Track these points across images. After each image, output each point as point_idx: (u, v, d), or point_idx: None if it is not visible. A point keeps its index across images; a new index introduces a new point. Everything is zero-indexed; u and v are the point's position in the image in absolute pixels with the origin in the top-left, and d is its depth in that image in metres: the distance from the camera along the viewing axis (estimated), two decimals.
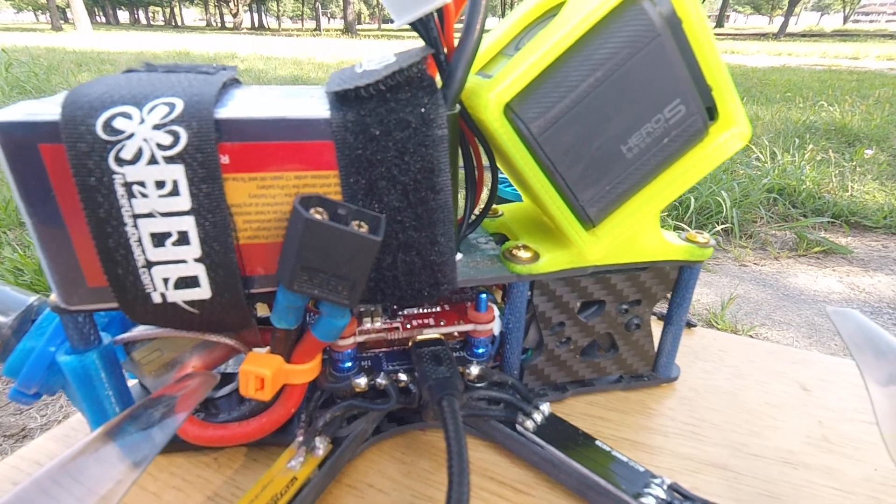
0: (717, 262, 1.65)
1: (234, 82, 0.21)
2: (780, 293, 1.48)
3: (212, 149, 0.16)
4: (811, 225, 1.84)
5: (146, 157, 0.16)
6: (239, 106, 0.18)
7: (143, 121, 0.16)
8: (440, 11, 0.19)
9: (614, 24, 0.19)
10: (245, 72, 5.09)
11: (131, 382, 0.27)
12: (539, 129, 0.20)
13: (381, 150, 0.18)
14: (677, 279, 0.26)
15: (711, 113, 0.21)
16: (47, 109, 0.16)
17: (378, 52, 0.21)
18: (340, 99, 0.18)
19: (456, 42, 0.20)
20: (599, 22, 0.19)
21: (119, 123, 0.16)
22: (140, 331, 0.22)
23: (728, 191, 1.89)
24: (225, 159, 0.17)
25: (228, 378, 0.26)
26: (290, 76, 4.83)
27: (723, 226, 1.79)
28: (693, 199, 1.81)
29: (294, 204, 0.17)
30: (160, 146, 0.16)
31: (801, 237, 1.75)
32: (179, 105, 0.16)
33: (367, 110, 0.18)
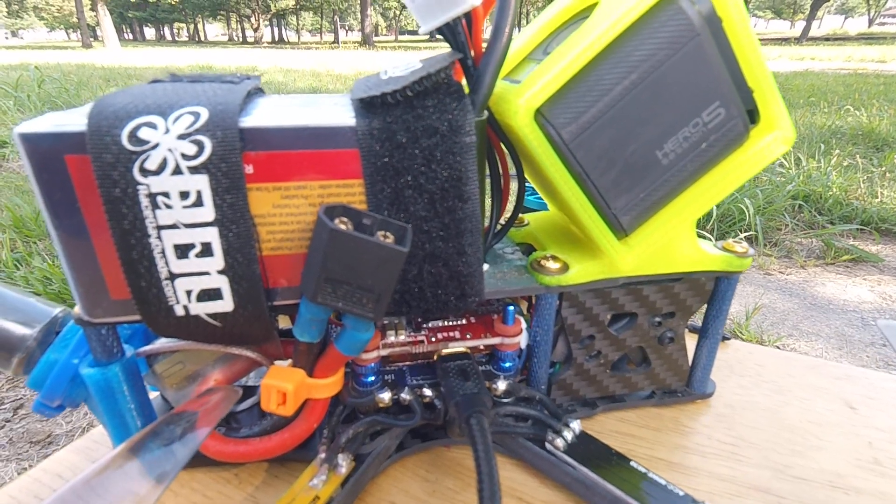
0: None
1: (258, 91, 0.21)
2: (807, 303, 1.43)
3: (236, 158, 0.16)
4: (839, 232, 1.79)
5: (171, 167, 0.16)
6: (263, 114, 0.17)
7: (167, 130, 0.16)
8: (468, 15, 0.18)
9: (651, 24, 0.18)
10: (265, 84, 5.18)
11: (153, 395, 0.27)
12: (571, 135, 0.19)
13: (408, 157, 0.17)
14: (713, 290, 0.25)
15: (752, 116, 0.20)
16: (73, 120, 0.16)
17: (403, 59, 0.21)
18: (366, 106, 0.17)
19: (484, 47, 0.19)
20: (635, 22, 0.18)
21: (144, 133, 0.15)
22: (162, 343, 0.22)
23: (751, 198, 1.85)
24: (249, 169, 0.17)
25: (250, 391, 0.25)
26: (309, 88, 4.91)
27: (746, 234, 1.74)
28: (715, 207, 1.77)
29: (319, 214, 0.17)
30: (185, 156, 0.16)
31: (828, 245, 1.70)
32: (204, 114, 0.16)
33: (393, 117, 0.17)
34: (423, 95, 0.17)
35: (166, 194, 0.16)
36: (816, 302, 1.44)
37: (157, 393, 0.27)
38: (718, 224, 1.78)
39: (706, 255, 0.24)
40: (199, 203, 0.16)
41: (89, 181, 0.16)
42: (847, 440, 0.25)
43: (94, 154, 0.15)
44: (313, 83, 5.30)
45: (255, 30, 26.01)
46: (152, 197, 0.16)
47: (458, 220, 0.18)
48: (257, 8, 25.17)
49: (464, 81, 0.20)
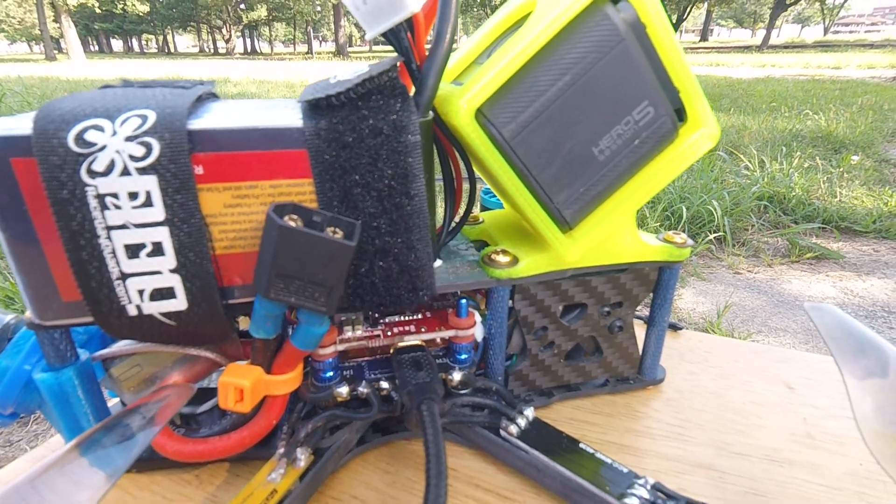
0: (711, 270, 1.66)
1: (211, 96, 0.22)
2: (774, 300, 1.48)
3: (185, 159, 0.17)
4: (802, 231, 1.86)
5: (118, 168, 0.16)
6: (213, 117, 0.18)
7: (115, 133, 0.16)
8: (410, 23, 0.19)
9: (579, 29, 0.19)
10: (238, 95, 5.14)
11: (111, 401, 0.27)
12: (511, 134, 0.20)
13: (355, 157, 0.18)
14: (657, 280, 0.27)
15: (680, 114, 0.22)
16: (19, 124, 0.16)
17: (354, 67, 0.21)
18: (313, 108, 0.18)
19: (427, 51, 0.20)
20: (565, 28, 0.19)
21: (91, 136, 0.16)
22: (119, 346, 0.22)
23: (719, 200, 1.91)
24: (199, 170, 0.18)
25: (211, 393, 0.26)
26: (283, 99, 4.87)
27: (715, 234, 1.80)
28: (685, 209, 1.83)
29: (268, 212, 0.17)
30: (133, 157, 0.16)
31: (792, 243, 1.76)
32: (152, 117, 0.17)
33: (339, 118, 0.18)
34: (367, 97, 0.18)
35: (115, 195, 0.16)
36: (783, 299, 1.49)
37: (117, 399, 0.27)
38: (689, 226, 1.83)
39: (647, 247, 0.25)
40: (148, 203, 0.17)
41: (36, 184, 0.16)
42: (784, 418, 0.27)
43: (40, 156, 0.16)
44: (288, 94, 5.27)
45: (228, 41, 25.72)
46: (101, 198, 0.16)
47: (405, 216, 0.19)
48: (229, 19, 24.92)
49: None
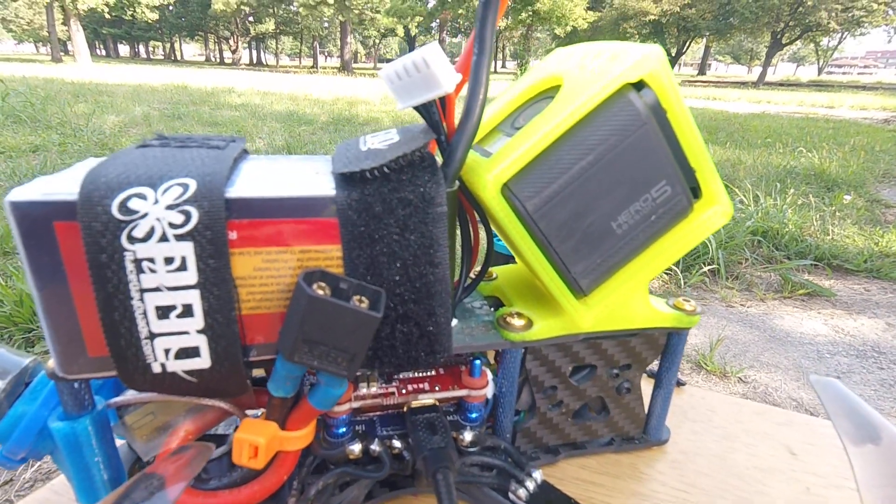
0: (705, 302, 1.67)
1: (244, 154, 0.22)
2: (767, 335, 1.49)
3: (221, 227, 0.17)
4: (795, 267, 1.88)
5: (158, 235, 0.17)
6: (248, 183, 0.18)
7: (157, 201, 0.17)
8: (442, 99, 0.20)
9: (605, 113, 0.20)
10: (242, 106, 5.18)
11: (119, 443, 0.27)
12: (534, 207, 0.21)
13: (383, 227, 0.19)
14: (666, 344, 0.27)
15: (696, 192, 0.23)
16: (63, 187, 0.17)
17: (383, 132, 0.22)
18: (346, 179, 0.19)
19: (456, 122, 0.21)
20: (591, 112, 0.20)
21: (134, 204, 0.16)
22: (134, 394, 0.22)
23: (714, 233, 1.93)
24: (233, 235, 0.18)
25: (219, 440, 0.26)
26: (287, 111, 4.92)
27: (709, 267, 1.82)
28: None
29: (298, 280, 0.18)
30: (172, 225, 0.17)
31: (785, 279, 1.78)
32: (192, 186, 0.17)
33: (370, 190, 0.19)
34: (399, 171, 0.19)
35: (151, 260, 0.17)
36: (775, 334, 1.50)
37: (124, 441, 0.27)
38: (684, 258, 1.85)
39: (658, 313, 0.26)
40: (182, 268, 0.17)
41: (76, 246, 0.17)
42: (787, 486, 0.27)
43: (83, 222, 0.16)
44: (291, 106, 5.32)
45: (234, 51, 26.01)
46: (138, 262, 0.17)
47: (428, 284, 0.20)
48: (237, 30, 25.25)
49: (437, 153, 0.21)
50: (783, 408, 1.16)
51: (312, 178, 0.20)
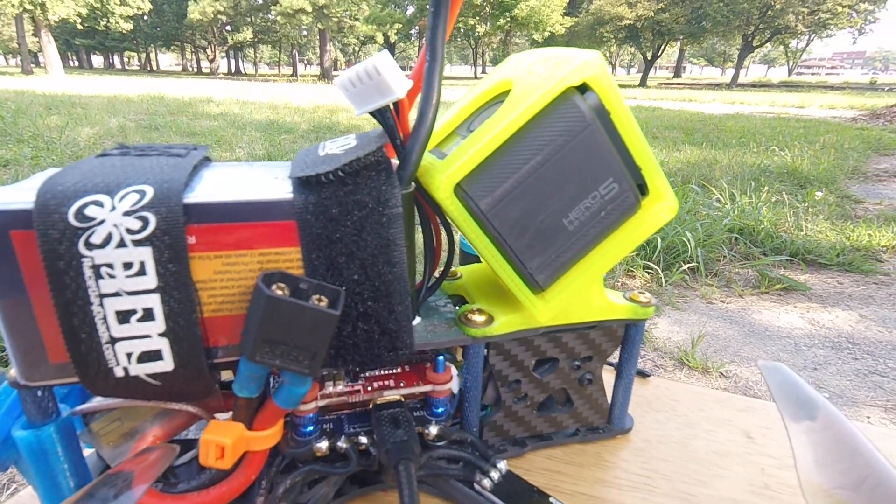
0: (686, 300, 1.70)
1: (206, 161, 0.23)
2: (746, 330, 1.53)
3: (179, 232, 0.18)
4: (771, 263, 1.93)
5: (115, 240, 0.17)
6: (206, 189, 0.19)
7: (114, 208, 0.17)
8: (395, 104, 0.21)
9: (551, 115, 0.21)
10: (221, 115, 5.14)
11: (87, 452, 0.27)
12: (487, 206, 0.22)
13: (340, 228, 0.20)
14: (624, 336, 0.28)
15: (642, 189, 0.24)
16: (20, 197, 0.17)
17: (342, 137, 0.23)
18: (303, 183, 0.19)
19: (411, 126, 0.22)
20: (538, 114, 0.21)
21: (91, 211, 0.17)
22: (100, 401, 0.22)
23: (692, 231, 1.97)
24: (192, 239, 0.18)
25: (189, 445, 0.26)
26: (267, 120, 4.89)
27: (689, 265, 1.85)
28: (660, 239, 1.88)
29: (257, 281, 0.18)
30: (129, 231, 0.17)
31: (762, 275, 1.83)
32: (150, 192, 0.18)
33: (327, 193, 0.19)
34: (354, 174, 0.20)
35: (110, 265, 0.17)
36: (754, 329, 1.54)
37: (93, 450, 0.27)
38: (664, 255, 1.88)
39: (614, 306, 0.27)
40: (142, 272, 0.17)
41: (33, 254, 0.17)
42: (744, 468, 0.28)
43: (40, 230, 0.16)
44: (271, 115, 5.29)
45: (211, 61, 25.75)
46: (96, 268, 0.17)
47: (387, 283, 0.20)
48: (214, 39, 25.02)
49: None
50: (764, 400, 1.20)
51: (271, 182, 0.20)
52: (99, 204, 0.17)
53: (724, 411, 0.33)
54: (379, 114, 0.21)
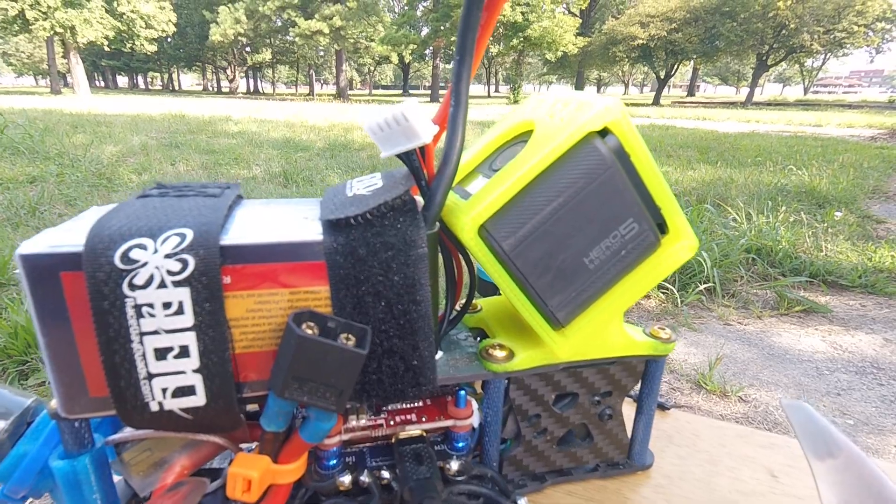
0: (702, 321, 1.67)
1: (238, 199, 0.24)
2: (765, 352, 1.50)
3: (216, 273, 0.18)
4: (790, 284, 1.89)
5: (157, 282, 0.18)
6: (241, 231, 0.20)
7: (156, 251, 0.18)
8: (421, 147, 0.22)
9: (572, 158, 0.22)
10: (239, 134, 5.26)
11: (116, 478, 0.28)
12: (510, 247, 0.22)
13: (367, 269, 0.20)
14: (645, 371, 0.28)
15: (662, 228, 0.24)
16: (68, 240, 0.18)
17: (368, 177, 0.24)
18: (332, 225, 0.20)
19: (436, 167, 0.22)
20: (560, 157, 0.22)
21: (135, 254, 0.18)
22: (131, 431, 0.23)
23: (708, 251, 1.95)
24: (227, 279, 0.19)
25: (214, 474, 0.26)
26: (283, 138, 4.99)
27: (705, 285, 1.83)
28: None
29: (288, 321, 0.19)
30: (170, 272, 0.18)
31: (781, 296, 1.79)
32: (189, 235, 0.18)
33: (355, 235, 0.20)
34: (381, 216, 0.20)
35: (151, 305, 0.18)
36: (774, 352, 1.50)
37: (121, 477, 0.28)
38: (680, 276, 1.86)
39: (634, 342, 0.27)
40: (180, 311, 0.18)
41: (80, 294, 0.18)
42: None
43: (88, 272, 0.17)
44: (287, 133, 5.39)
45: (231, 81, 26.46)
46: (138, 308, 0.18)
47: (412, 321, 0.21)
48: (234, 60, 25.75)
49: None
50: (784, 427, 1.16)
51: (301, 223, 0.21)
52: (143, 247, 0.18)
53: (747, 447, 0.33)
54: (405, 156, 0.22)
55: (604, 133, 0.22)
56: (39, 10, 13.42)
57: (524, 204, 0.22)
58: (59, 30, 13.99)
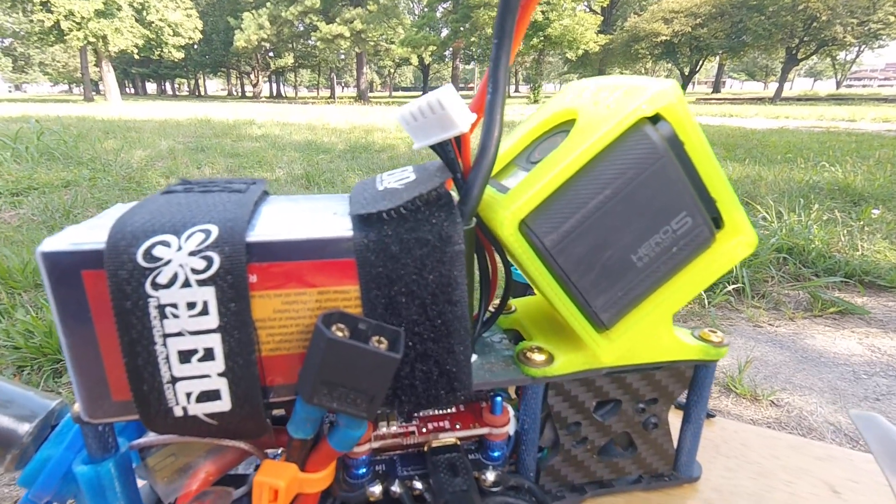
0: (731, 323, 1.62)
1: (264, 195, 0.23)
2: (798, 355, 1.44)
3: (242, 271, 0.17)
4: (824, 285, 1.82)
5: (181, 280, 0.17)
6: (267, 227, 0.19)
7: (180, 248, 0.17)
8: (457, 138, 0.20)
9: (621, 147, 0.20)
10: (262, 137, 5.34)
11: (140, 483, 0.27)
12: (552, 243, 0.21)
13: (401, 266, 0.19)
14: (693, 377, 0.26)
15: (717, 222, 0.22)
16: (91, 237, 0.17)
17: (399, 171, 0.22)
18: (363, 220, 0.19)
19: (472, 160, 0.21)
20: (608, 146, 0.20)
21: (158, 251, 0.17)
22: (155, 435, 0.22)
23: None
24: (253, 278, 0.18)
25: (239, 480, 0.26)
26: (305, 141, 5.05)
27: (734, 286, 1.77)
28: None
29: (317, 323, 0.18)
30: (194, 270, 0.17)
31: (814, 297, 1.72)
32: (214, 231, 0.17)
33: (387, 230, 0.19)
34: (415, 210, 0.19)
35: (174, 305, 0.17)
36: (807, 355, 1.44)
37: (145, 482, 0.27)
38: None
39: (684, 345, 0.25)
40: (204, 312, 0.17)
41: (102, 293, 0.17)
42: None
43: (110, 270, 0.16)
44: (309, 136, 5.46)
45: (255, 85, 26.97)
46: (161, 308, 0.17)
47: (447, 322, 0.20)
48: (257, 65, 26.23)
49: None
50: (820, 432, 1.11)
51: (330, 219, 0.20)
52: (166, 244, 0.17)
53: (802, 459, 0.30)
54: (440, 147, 0.20)
55: (655, 119, 0.20)
56: (73, 21, 13.91)
57: (568, 197, 0.20)
58: (91, 39, 14.48)
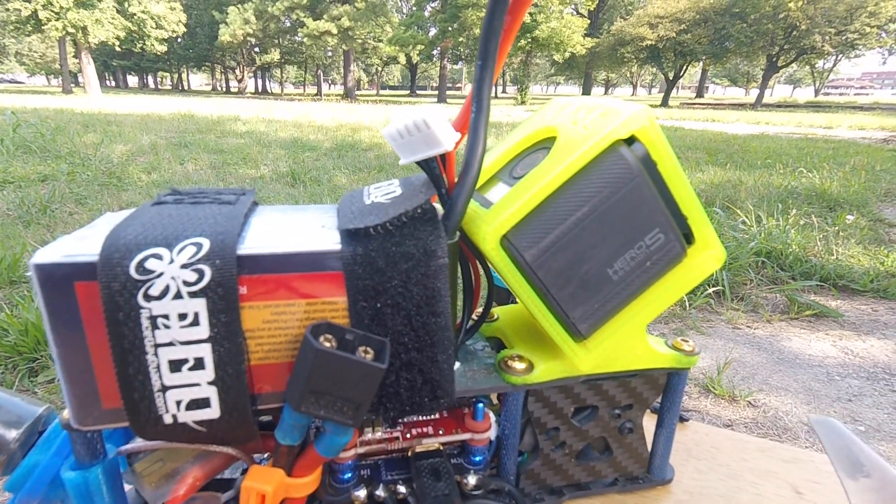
0: (711, 324, 1.66)
1: (253, 206, 0.23)
2: (775, 357, 1.48)
3: (232, 283, 0.18)
4: (800, 288, 1.87)
5: (172, 292, 0.17)
6: (257, 239, 0.19)
7: (172, 261, 0.17)
8: (442, 155, 0.21)
9: (598, 167, 0.21)
10: (247, 133, 5.28)
11: (126, 487, 0.27)
12: (532, 257, 0.21)
13: (387, 279, 0.20)
14: (667, 384, 0.28)
15: (689, 238, 0.23)
16: (83, 248, 0.18)
17: (386, 184, 0.23)
18: (351, 235, 0.20)
19: (456, 175, 0.22)
20: (585, 166, 0.21)
21: (151, 264, 0.17)
22: (143, 441, 0.23)
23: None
24: (243, 290, 0.19)
25: (226, 484, 0.26)
26: (291, 138, 5.00)
27: (714, 288, 1.81)
28: None
29: (306, 334, 0.19)
30: (186, 283, 0.17)
31: (791, 300, 1.77)
32: (206, 245, 0.18)
33: (374, 245, 0.19)
34: (401, 226, 0.20)
35: (166, 316, 0.17)
36: (784, 356, 1.48)
37: (132, 486, 0.27)
38: None
39: (657, 354, 0.26)
40: (195, 323, 0.18)
41: (95, 305, 0.18)
42: None
43: (102, 283, 0.17)
44: (295, 133, 5.41)
45: (240, 81, 26.61)
46: (153, 319, 0.17)
47: (431, 333, 0.20)
48: (242, 60, 25.89)
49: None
50: (794, 433, 1.14)
51: (318, 232, 0.20)
52: (158, 257, 0.17)
53: (769, 462, 0.32)
54: (425, 164, 0.21)
55: (630, 141, 0.21)
56: (52, 11, 13.57)
57: (547, 213, 0.21)
58: (71, 30, 14.14)
